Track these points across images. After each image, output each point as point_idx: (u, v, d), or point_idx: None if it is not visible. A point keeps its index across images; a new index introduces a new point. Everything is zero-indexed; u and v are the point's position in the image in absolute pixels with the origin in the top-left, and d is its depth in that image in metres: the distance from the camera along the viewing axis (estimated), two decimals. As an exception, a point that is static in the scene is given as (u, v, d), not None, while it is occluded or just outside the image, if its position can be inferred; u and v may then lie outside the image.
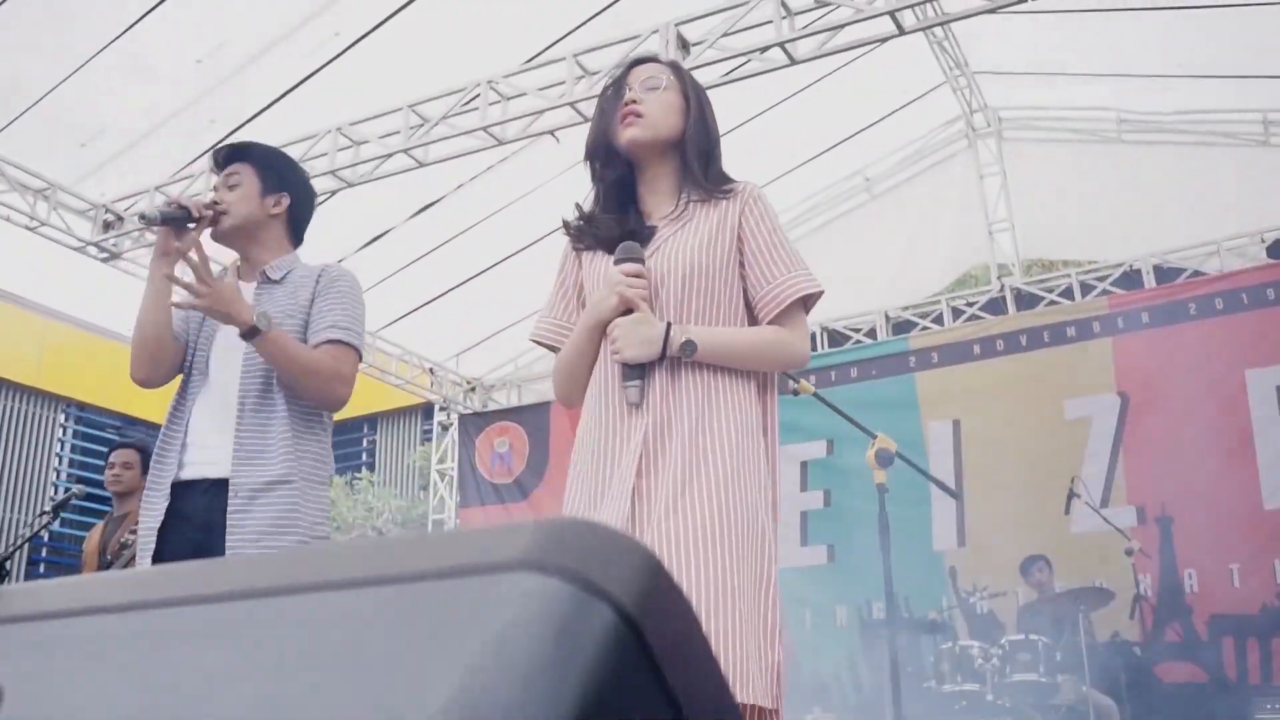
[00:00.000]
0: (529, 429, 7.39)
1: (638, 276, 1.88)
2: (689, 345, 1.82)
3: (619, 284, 1.87)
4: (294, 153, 4.88)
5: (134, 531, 4.14)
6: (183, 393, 2.46)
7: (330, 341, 2.40)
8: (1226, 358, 5.81)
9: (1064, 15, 5.56)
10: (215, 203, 2.49)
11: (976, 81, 6.60)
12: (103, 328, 11.38)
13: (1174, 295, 6.11)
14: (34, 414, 11.24)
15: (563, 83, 4.19)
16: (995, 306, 6.70)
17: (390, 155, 4.54)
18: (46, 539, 9.69)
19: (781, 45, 3.72)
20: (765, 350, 1.92)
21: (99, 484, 11.31)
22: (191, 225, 2.42)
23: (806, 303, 1.95)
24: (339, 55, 4.66)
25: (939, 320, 6.80)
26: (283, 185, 2.58)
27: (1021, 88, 6.64)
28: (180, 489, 2.33)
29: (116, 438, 11.72)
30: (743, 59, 3.87)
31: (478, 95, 4.34)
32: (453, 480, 7.79)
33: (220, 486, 2.29)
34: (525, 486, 7.19)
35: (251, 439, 2.32)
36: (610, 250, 1.94)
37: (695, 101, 2.02)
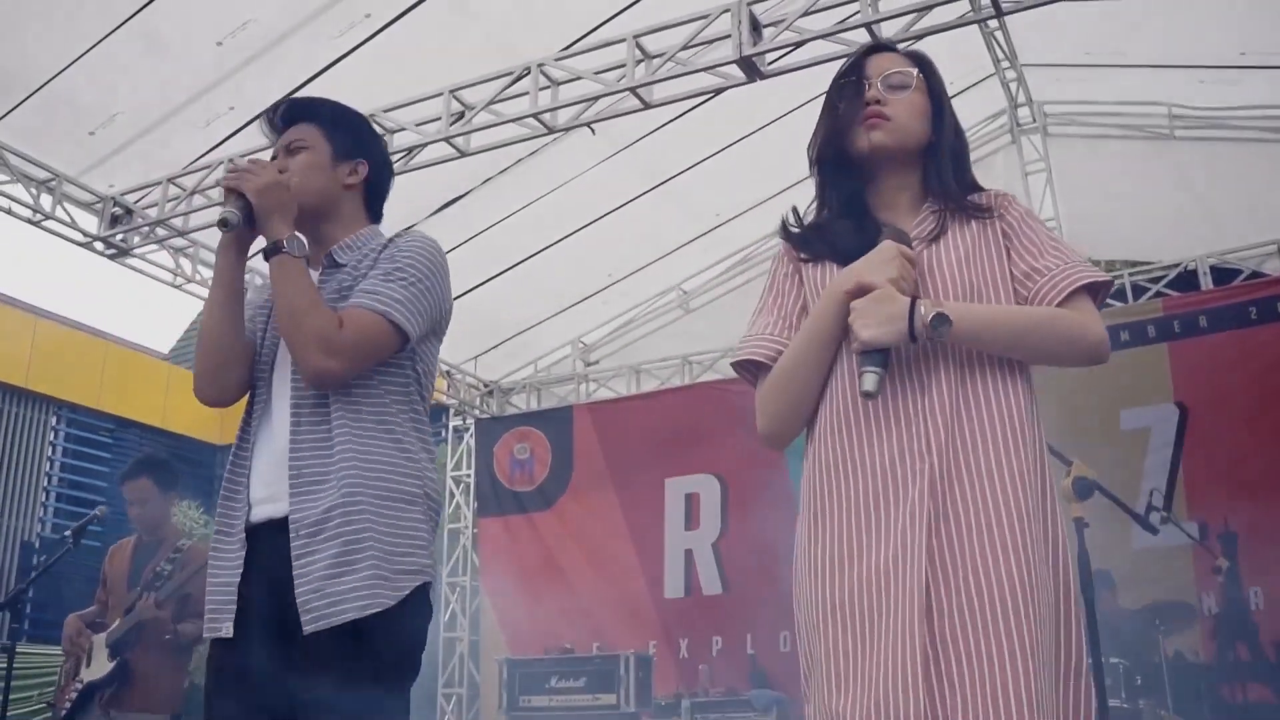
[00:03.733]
0: (550, 434, 7.04)
1: (910, 262, 1.55)
2: (940, 319, 1.47)
3: (893, 259, 1.52)
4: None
5: (170, 560, 3.79)
6: (247, 416, 2.02)
7: (356, 307, 1.90)
8: (1290, 364, 5.54)
9: (1118, 4, 5.28)
10: (279, 172, 1.99)
11: (1024, 74, 6.32)
12: (95, 328, 11.02)
13: (1232, 298, 5.85)
14: (24, 416, 10.86)
15: (622, 65, 3.86)
16: (1043, 309, 6.42)
17: (428, 143, 4.20)
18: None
19: (867, 26, 3.41)
20: (1047, 329, 1.56)
21: (91, 489, 10.95)
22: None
23: (1094, 295, 1.61)
24: (371, 37, 4.33)
25: (983, 323, 6.51)
26: (359, 150, 2.10)
27: (1068, 81, 6.35)
28: (251, 533, 1.93)
29: (109, 440, 11.35)
30: (820, 40, 3.52)
31: (525, 78, 4.02)
32: (469, 488, 7.45)
33: (282, 527, 1.88)
34: (549, 495, 6.85)
35: (309, 463, 1.88)
36: (844, 262, 1.61)
37: (944, 101, 1.70)
